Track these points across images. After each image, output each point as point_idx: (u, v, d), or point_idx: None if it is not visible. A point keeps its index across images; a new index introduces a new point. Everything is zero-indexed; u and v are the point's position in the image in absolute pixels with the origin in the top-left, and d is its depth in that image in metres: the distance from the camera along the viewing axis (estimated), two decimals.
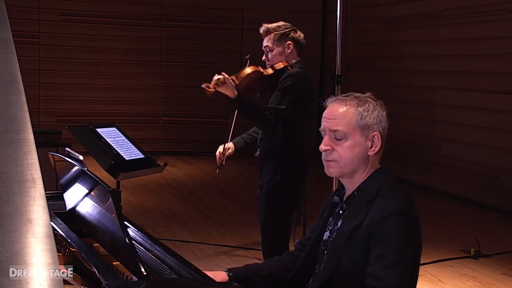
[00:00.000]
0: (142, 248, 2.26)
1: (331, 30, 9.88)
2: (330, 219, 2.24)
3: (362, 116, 2.11)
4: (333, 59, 4.72)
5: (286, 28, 3.92)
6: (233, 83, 3.75)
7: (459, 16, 7.72)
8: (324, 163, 2.15)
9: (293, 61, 3.91)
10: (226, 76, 3.73)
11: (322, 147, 2.13)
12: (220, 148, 4.05)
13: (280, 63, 3.89)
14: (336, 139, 2.11)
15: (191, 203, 7.19)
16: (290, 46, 3.90)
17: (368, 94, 2.20)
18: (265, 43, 3.94)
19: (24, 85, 1.75)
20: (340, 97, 2.17)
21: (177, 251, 2.22)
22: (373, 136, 2.12)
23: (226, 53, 10.33)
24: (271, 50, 3.91)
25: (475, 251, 5.35)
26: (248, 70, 3.89)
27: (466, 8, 7.58)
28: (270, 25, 3.94)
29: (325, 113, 2.16)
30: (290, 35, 3.91)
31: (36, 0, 9.93)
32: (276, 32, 3.90)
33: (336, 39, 4.74)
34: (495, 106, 7.12)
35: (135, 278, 1.92)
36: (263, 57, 3.98)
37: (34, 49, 9.91)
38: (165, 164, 4.61)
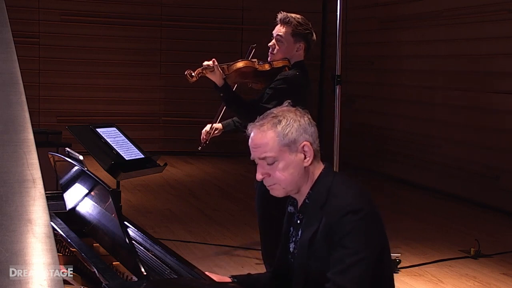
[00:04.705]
0: (142, 248, 2.27)
1: (331, 30, 9.88)
2: (291, 229, 2.24)
3: (283, 135, 2.09)
4: (333, 59, 4.71)
5: (306, 30, 3.78)
6: (221, 72, 3.68)
7: (459, 16, 7.71)
8: (267, 187, 2.16)
9: (296, 61, 3.80)
10: (216, 63, 3.67)
11: (258, 176, 2.14)
12: (207, 127, 4.03)
13: (280, 62, 3.79)
14: (268, 164, 2.11)
15: (191, 203, 7.19)
16: (302, 47, 3.78)
17: (286, 104, 2.19)
18: (278, 31, 3.78)
19: (24, 85, 1.75)
20: (257, 123, 2.14)
21: (177, 251, 2.23)
22: (303, 147, 2.11)
23: (226, 53, 10.30)
24: (281, 41, 3.77)
25: (475, 251, 5.34)
26: (240, 64, 3.78)
27: (466, 8, 7.57)
28: (291, 16, 3.78)
29: (249, 143, 2.15)
30: (308, 38, 3.79)
31: (36, 0, 9.92)
32: (295, 30, 3.75)
33: (336, 39, 4.74)
34: (495, 106, 7.12)
35: (135, 278, 1.92)
36: (270, 43, 3.82)
37: (34, 49, 9.90)
38: (165, 164, 4.61)
